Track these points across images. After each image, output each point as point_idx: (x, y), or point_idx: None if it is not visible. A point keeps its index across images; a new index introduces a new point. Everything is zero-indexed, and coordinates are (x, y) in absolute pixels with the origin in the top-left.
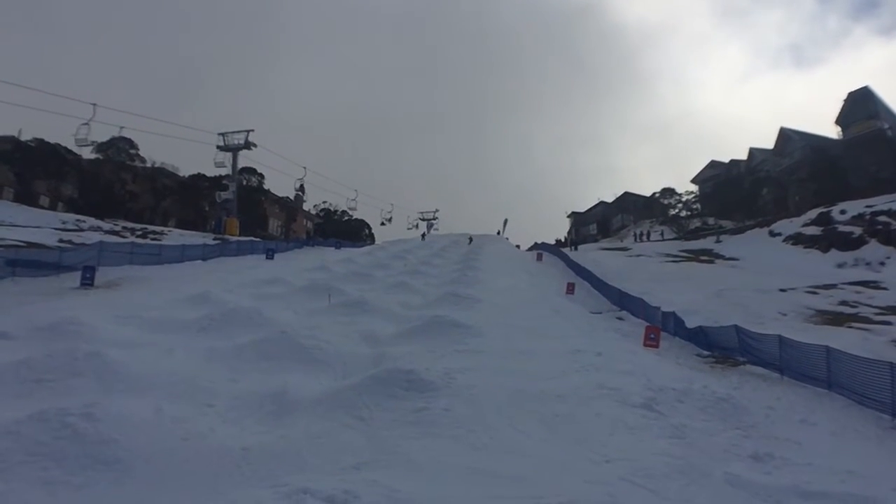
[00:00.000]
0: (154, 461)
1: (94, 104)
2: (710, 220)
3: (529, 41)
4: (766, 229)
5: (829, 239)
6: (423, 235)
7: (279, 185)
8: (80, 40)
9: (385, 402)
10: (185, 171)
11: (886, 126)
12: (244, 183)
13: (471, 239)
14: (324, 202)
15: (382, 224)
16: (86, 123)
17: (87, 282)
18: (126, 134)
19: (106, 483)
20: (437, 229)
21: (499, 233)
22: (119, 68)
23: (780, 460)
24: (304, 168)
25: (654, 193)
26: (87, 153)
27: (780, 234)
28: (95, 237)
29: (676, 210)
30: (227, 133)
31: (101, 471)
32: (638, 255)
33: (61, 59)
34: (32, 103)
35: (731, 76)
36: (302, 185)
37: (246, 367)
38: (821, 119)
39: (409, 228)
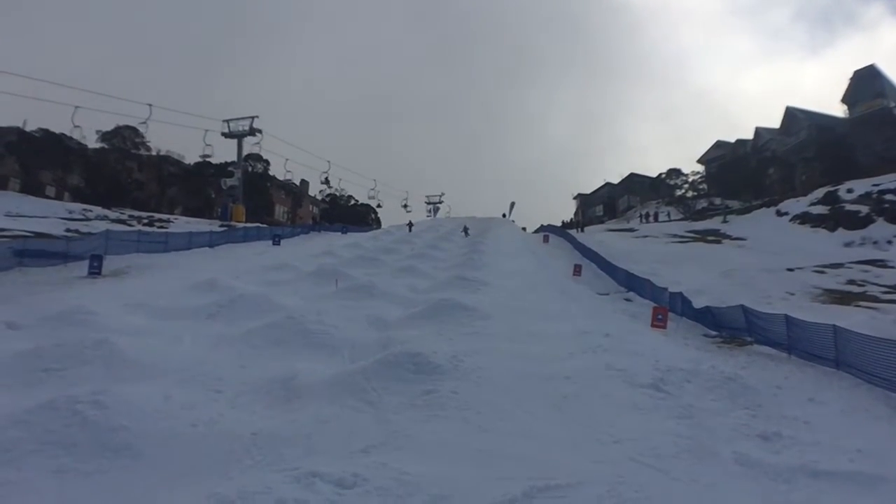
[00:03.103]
0: (164, 447)
1: (150, 105)
2: (717, 201)
3: (538, 23)
4: (772, 209)
5: (837, 218)
6: (410, 226)
7: (283, 170)
8: (81, 30)
9: (393, 386)
10: (191, 158)
11: (893, 104)
12: (249, 169)
13: (466, 229)
14: (322, 182)
15: (379, 206)
16: (143, 122)
17: (95, 271)
18: (131, 122)
19: (116, 470)
20: (448, 214)
21: (505, 215)
22: (122, 55)
23: (789, 439)
24: (329, 162)
25: (661, 174)
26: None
27: (786, 214)
28: (102, 226)
29: (683, 191)
30: (231, 120)
31: (110, 458)
32: (644, 236)
33: (62, 47)
34: (35, 93)
35: (740, 56)
36: (327, 179)
37: (254, 352)
38: (832, 100)
39: (408, 211)
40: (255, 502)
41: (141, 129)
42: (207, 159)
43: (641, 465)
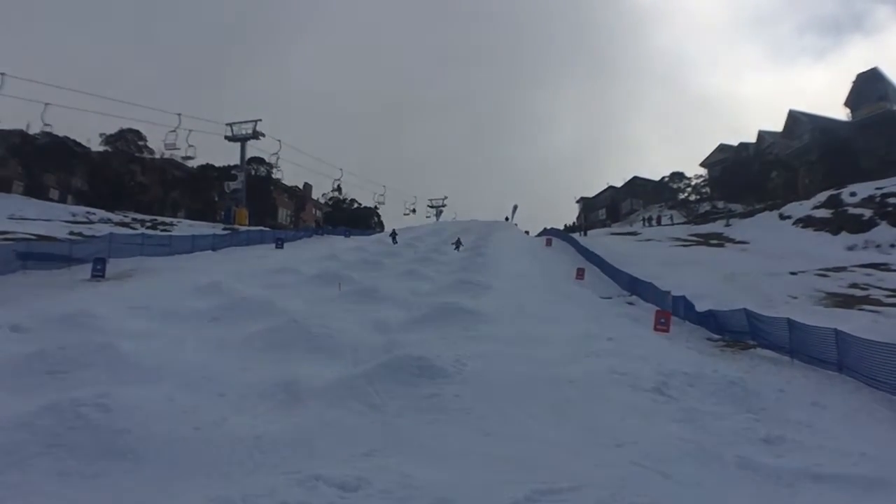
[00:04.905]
0: (167, 450)
1: (180, 114)
2: (720, 204)
3: (542, 26)
4: (775, 212)
5: (840, 221)
6: (394, 235)
7: (288, 173)
8: (81, 33)
9: (396, 389)
10: (194, 161)
11: None
12: (252, 173)
13: (458, 242)
14: (333, 190)
15: (377, 207)
16: (173, 131)
17: (98, 273)
18: (134, 126)
19: (119, 472)
20: (455, 217)
21: (507, 219)
22: (124, 57)
23: (792, 443)
24: (341, 170)
25: (664, 177)
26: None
27: (789, 217)
28: (105, 229)
29: (686, 194)
30: (234, 123)
31: (114, 460)
32: (647, 240)
33: (62, 49)
34: (38, 96)
35: (743, 59)
36: (339, 186)
37: (257, 356)
38: (835, 103)
39: (405, 214)
40: None
41: (170, 137)
42: (189, 161)
43: (644, 469)
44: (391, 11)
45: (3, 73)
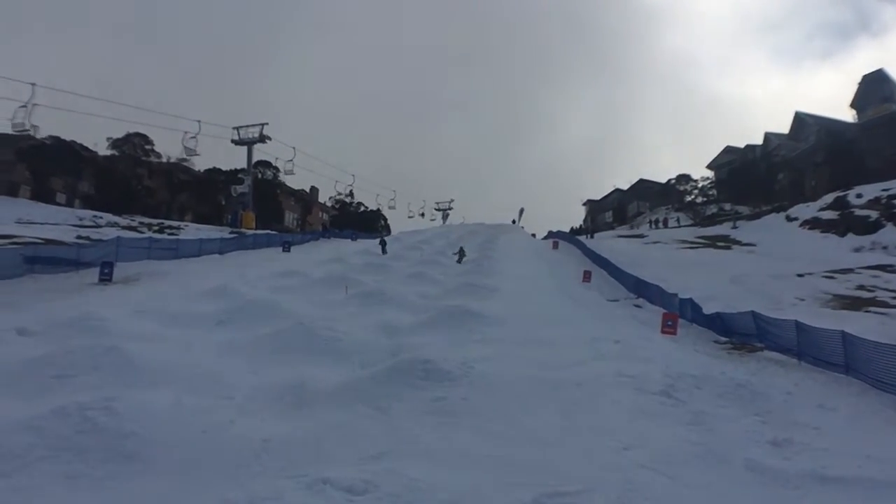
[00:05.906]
0: (174, 453)
1: (199, 121)
2: (727, 206)
3: (550, 28)
4: (782, 214)
5: (846, 223)
6: (383, 244)
7: (294, 176)
8: (85, 36)
9: (403, 392)
10: (201, 165)
11: None
12: (259, 176)
13: (462, 252)
14: (339, 193)
15: (379, 208)
16: (193, 136)
17: (106, 277)
18: (141, 130)
19: (127, 476)
20: (463, 221)
21: (514, 222)
22: (128, 61)
23: (799, 445)
24: (353, 175)
25: (670, 180)
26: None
27: (796, 219)
28: (113, 233)
29: (692, 196)
30: (241, 127)
31: (122, 464)
32: (654, 242)
33: (69, 54)
34: (43, 100)
35: (750, 61)
36: (351, 192)
37: (264, 359)
38: (841, 104)
39: (409, 217)
40: None
41: (191, 143)
42: (185, 163)
43: (651, 472)
44: (397, 13)
45: (33, 84)
